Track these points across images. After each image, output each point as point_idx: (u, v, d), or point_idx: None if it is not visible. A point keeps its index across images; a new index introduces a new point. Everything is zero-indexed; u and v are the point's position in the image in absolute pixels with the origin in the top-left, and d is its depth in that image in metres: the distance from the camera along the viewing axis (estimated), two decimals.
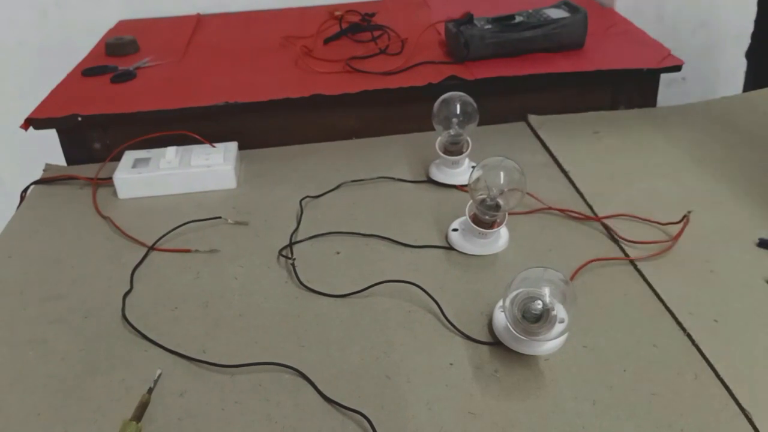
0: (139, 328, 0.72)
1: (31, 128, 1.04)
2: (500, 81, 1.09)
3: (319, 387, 0.64)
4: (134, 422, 0.61)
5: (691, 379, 0.63)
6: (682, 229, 0.81)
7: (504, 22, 1.16)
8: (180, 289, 0.78)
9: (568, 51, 1.17)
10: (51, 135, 1.07)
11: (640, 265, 0.78)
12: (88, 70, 1.20)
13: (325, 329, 0.71)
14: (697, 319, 0.70)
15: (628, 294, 0.74)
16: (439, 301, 0.73)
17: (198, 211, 0.92)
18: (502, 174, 0.79)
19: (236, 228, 0.89)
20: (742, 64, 1.54)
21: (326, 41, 1.29)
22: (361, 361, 0.67)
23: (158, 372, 0.66)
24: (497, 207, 0.78)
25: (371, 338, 0.70)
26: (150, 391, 0.64)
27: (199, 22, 1.46)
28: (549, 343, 0.64)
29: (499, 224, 0.80)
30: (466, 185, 0.83)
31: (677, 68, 1.11)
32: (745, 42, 1.51)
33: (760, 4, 1.47)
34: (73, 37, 1.38)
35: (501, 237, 0.83)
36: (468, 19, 1.17)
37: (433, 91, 1.00)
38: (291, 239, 0.85)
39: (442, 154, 0.93)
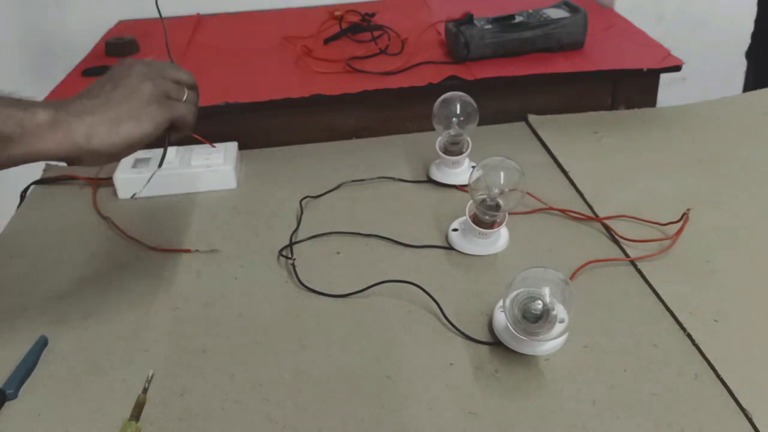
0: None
1: None
2: (500, 81, 1.09)
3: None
4: (134, 422, 0.61)
5: (691, 378, 0.63)
6: (682, 227, 0.81)
7: (504, 22, 1.16)
8: (180, 289, 0.78)
9: (568, 51, 1.17)
10: None
11: (640, 264, 0.78)
12: (88, 70, 1.20)
13: (325, 329, 0.71)
14: (697, 318, 0.70)
15: (628, 294, 0.74)
16: (439, 301, 0.73)
17: (198, 211, 0.92)
18: (502, 174, 0.79)
19: (236, 228, 0.89)
20: (742, 64, 1.54)
21: (326, 41, 1.29)
22: (361, 361, 0.67)
23: (151, 372, 0.66)
24: (497, 207, 0.78)
25: (371, 338, 0.70)
26: (145, 390, 0.64)
27: (199, 22, 1.46)
28: (549, 343, 0.64)
29: (499, 224, 0.80)
30: (466, 185, 0.83)
31: (677, 68, 1.10)
32: (745, 42, 1.51)
33: (760, 4, 1.47)
34: (73, 37, 1.38)
35: (501, 237, 0.83)
36: (468, 19, 1.17)
37: (433, 91, 1.00)
38: (291, 239, 0.85)
39: (442, 154, 0.93)
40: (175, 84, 0.68)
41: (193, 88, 0.71)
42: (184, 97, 0.69)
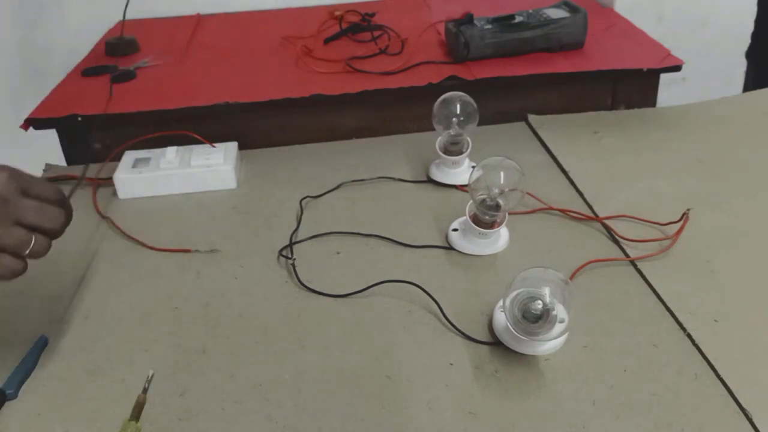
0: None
1: (31, 128, 1.04)
2: (500, 81, 1.09)
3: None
4: (134, 422, 0.61)
5: (691, 378, 0.63)
6: (682, 227, 0.81)
7: (504, 22, 1.16)
8: (180, 289, 0.78)
9: (568, 51, 1.17)
10: (51, 135, 1.07)
11: (640, 264, 0.78)
12: (88, 70, 1.20)
13: (325, 329, 0.71)
14: (697, 318, 0.70)
15: (628, 294, 0.74)
16: (439, 301, 0.73)
17: (198, 211, 0.92)
18: (502, 174, 0.79)
19: (236, 228, 0.89)
20: (742, 64, 1.54)
21: (326, 41, 1.29)
22: (361, 361, 0.67)
23: (151, 372, 0.66)
24: (497, 207, 0.78)
25: (371, 338, 0.70)
26: (145, 390, 0.64)
27: (199, 22, 1.46)
28: (549, 343, 0.64)
29: (499, 224, 0.80)
30: (466, 185, 0.83)
31: (677, 68, 1.11)
32: (745, 42, 1.51)
33: (760, 4, 1.47)
34: (73, 37, 1.38)
35: (501, 237, 0.83)
36: (468, 19, 1.17)
37: (433, 91, 1.00)
38: (291, 239, 0.85)
39: (442, 154, 0.93)
40: (27, 231, 0.60)
41: (57, 204, 0.63)
42: (28, 249, 0.61)
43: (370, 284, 0.76)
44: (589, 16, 1.17)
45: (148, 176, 0.95)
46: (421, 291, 0.74)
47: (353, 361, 0.67)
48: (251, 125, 1.09)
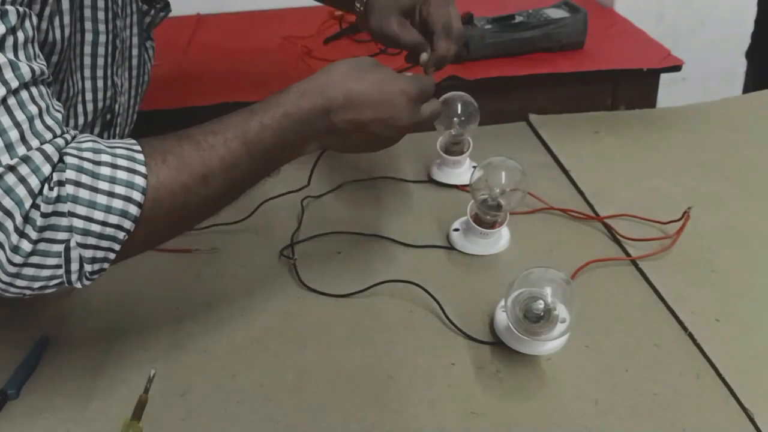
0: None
1: None
2: (500, 81, 1.09)
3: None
4: (135, 421, 0.60)
5: (692, 378, 0.64)
6: (683, 226, 0.81)
7: (504, 22, 1.16)
8: (181, 289, 0.78)
9: (568, 51, 1.17)
10: None
11: (641, 264, 0.78)
12: None
13: (326, 329, 0.71)
14: (698, 318, 0.70)
15: (629, 293, 0.74)
16: (440, 301, 0.73)
17: None
18: (503, 174, 0.79)
19: (237, 228, 0.88)
20: (742, 64, 1.54)
21: (326, 41, 1.29)
22: (362, 361, 0.67)
23: (152, 372, 0.66)
24: (499, 207, 0.78)
25: (373, 338, 0.70)
26: (146, 390, 0.64)
27: (199, 22, 1.46)
28: (551, 343, 0.64)
29: (501, 224, 0.80)
30: (467, 185, 0.83)
31: (677, 68, 1.11)
32: (745, 42, 1.52)
33: (760, 4, 1.48)
34: None
35: (502, 237, 0.83)
36: (468, 19, 1.17)
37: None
38: (292, 239, 0.85)
39: (443, 154, 0.93)
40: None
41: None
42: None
43: (372, 284, 0.76)
44: (589, 16, 1.17)
45: None
46: (423, 291, 0.74)
47: (355, 361, 0.67)
48: None
